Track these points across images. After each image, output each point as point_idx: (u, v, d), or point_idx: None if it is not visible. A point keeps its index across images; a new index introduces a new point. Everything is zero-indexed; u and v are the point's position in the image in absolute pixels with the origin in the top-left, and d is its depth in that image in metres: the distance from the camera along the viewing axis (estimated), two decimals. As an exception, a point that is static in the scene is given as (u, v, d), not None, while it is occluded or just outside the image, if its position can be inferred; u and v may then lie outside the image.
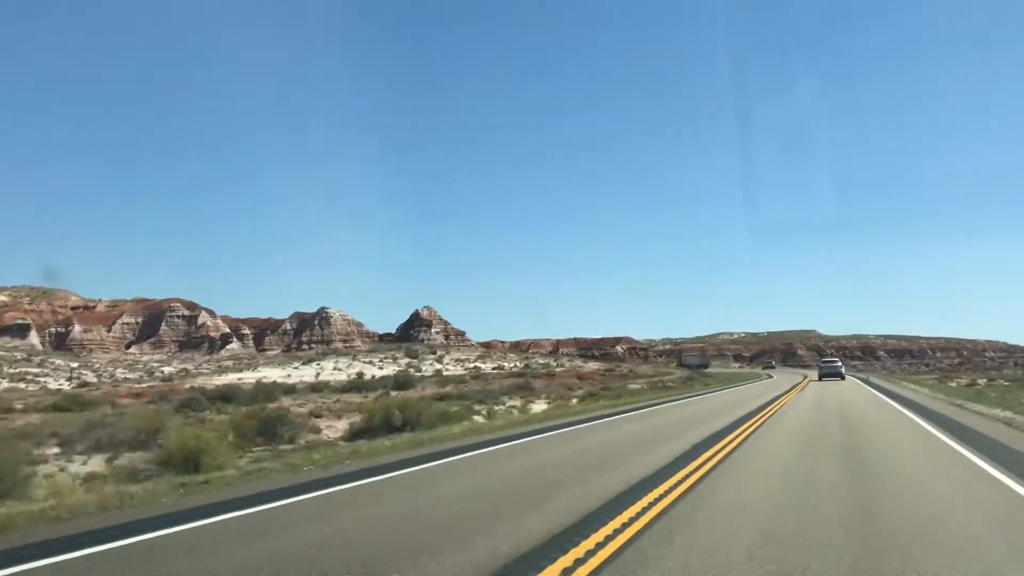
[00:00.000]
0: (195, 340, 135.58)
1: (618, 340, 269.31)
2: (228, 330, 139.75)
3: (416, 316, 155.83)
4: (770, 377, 77.37)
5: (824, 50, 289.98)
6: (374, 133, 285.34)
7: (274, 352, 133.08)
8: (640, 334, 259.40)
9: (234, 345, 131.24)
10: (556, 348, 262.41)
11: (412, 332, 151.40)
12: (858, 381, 56.20)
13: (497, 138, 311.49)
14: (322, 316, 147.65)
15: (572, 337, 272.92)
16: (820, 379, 58.05)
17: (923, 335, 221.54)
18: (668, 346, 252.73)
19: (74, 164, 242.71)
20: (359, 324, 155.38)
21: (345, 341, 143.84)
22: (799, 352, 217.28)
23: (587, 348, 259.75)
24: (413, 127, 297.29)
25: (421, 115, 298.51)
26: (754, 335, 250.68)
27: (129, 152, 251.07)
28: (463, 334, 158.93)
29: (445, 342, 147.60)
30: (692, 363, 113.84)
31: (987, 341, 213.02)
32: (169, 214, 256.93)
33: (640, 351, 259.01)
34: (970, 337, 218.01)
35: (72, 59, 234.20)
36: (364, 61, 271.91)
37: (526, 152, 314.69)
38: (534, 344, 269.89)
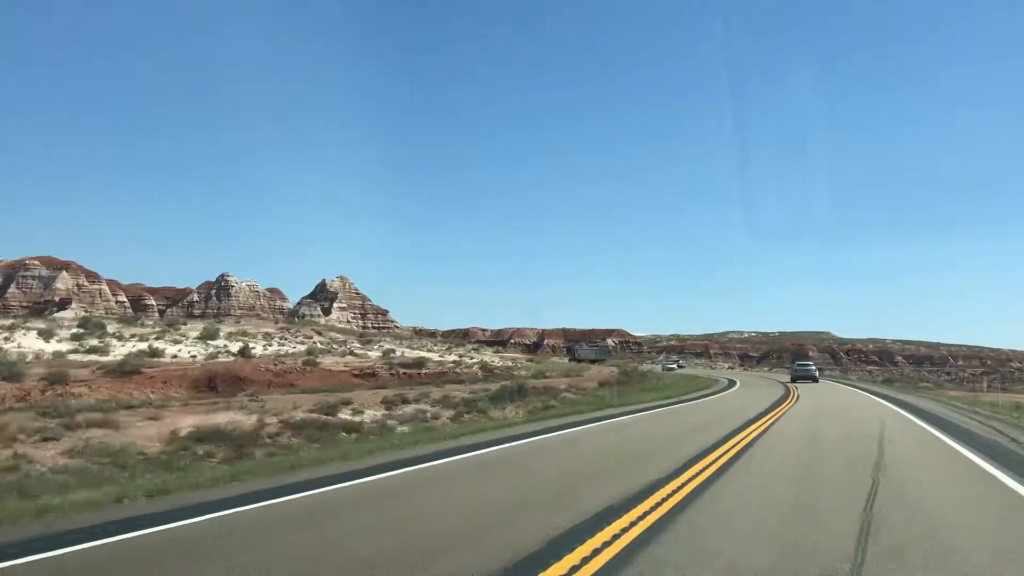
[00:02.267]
0: (40, 306, 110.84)
1: (610, 332, 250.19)
2: (90, 296, 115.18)
3: (321, 287, 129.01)
4: (730, 386, 47.08)
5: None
6: (369, 127, 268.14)
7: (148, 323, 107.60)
8: (648, 330, 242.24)
9: (68, 312, 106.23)
10: (541, 338, 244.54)
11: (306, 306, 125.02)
12: (932, 430, 20.28)
13: (495, 132, 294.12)
14: (220, 285, 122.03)
15: (560, 328, 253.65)
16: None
17: (943, 342, 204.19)
18: (674, 342, 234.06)
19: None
20: (274, 296, 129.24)
21: (249, 314, 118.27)
22: (810, 354, 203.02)
23: (575, 339, 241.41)
24: (410, 122, 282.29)
25: (417, 109, 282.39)
26: (765, 335, 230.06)
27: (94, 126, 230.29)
28: (385, 313, 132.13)
29: (359, 321, 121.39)
30: (586, 356, 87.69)
31: (1011, 351, 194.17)
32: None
33: (634, 345, 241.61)
34: (992, 345, 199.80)
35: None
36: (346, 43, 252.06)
37: (527, 147, 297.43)
38: (517, 333, 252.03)
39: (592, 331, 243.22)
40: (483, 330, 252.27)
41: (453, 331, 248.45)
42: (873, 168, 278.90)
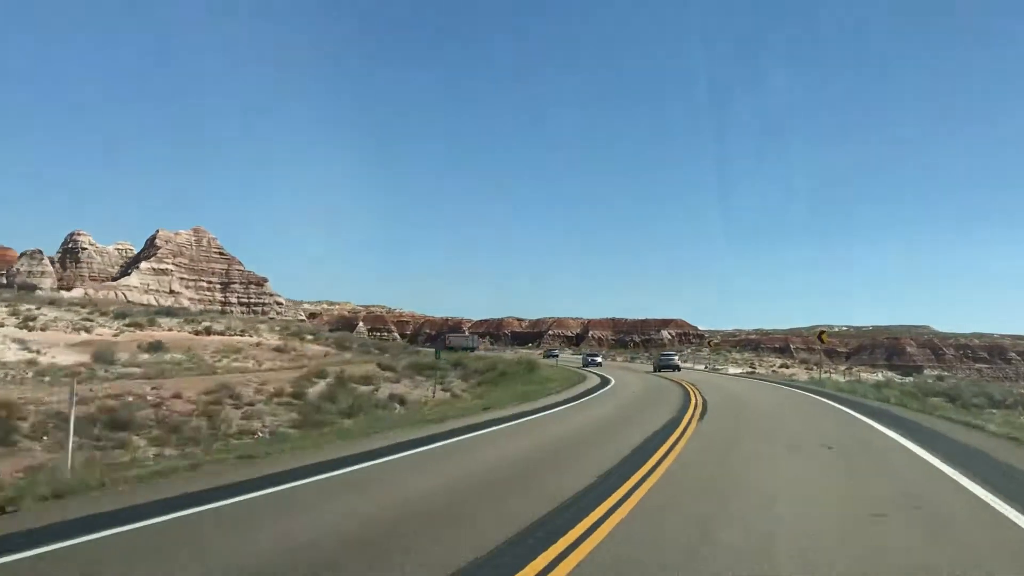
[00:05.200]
0: None
1: (666, 323, 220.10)
2: None
3: (150, 243, 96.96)
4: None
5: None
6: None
7: None
8: (729, 324, 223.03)
9: None
10: (585, 330, 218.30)
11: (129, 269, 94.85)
12: None
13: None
14: (68, 247, 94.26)
15: (608, 317, 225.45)
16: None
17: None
18: (755, 336, 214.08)
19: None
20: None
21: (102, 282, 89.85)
22: (908, 349, 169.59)
23: (625, 331, 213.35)
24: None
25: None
26: (857, 329, 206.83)
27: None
28: (261, 283, 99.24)
29: (216, 293, 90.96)
30: (456, 345, 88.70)
31: None
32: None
33: (695, 338, 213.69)
34: None
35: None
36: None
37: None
38: (557, 323, 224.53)
39: (645, 321, 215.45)
40: (519, 320, 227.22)
41: (485, 321, 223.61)
42: (978, 161, 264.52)
